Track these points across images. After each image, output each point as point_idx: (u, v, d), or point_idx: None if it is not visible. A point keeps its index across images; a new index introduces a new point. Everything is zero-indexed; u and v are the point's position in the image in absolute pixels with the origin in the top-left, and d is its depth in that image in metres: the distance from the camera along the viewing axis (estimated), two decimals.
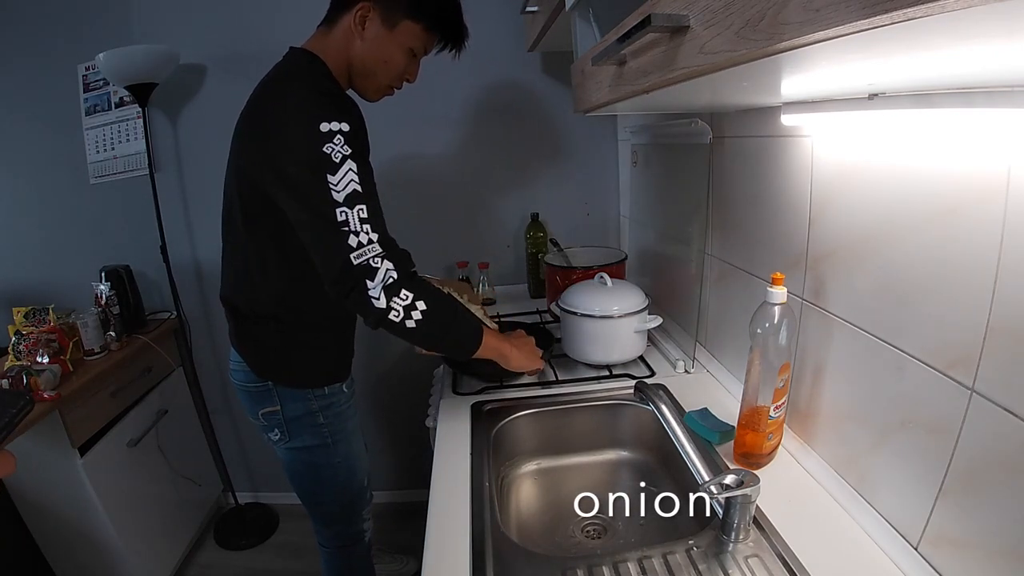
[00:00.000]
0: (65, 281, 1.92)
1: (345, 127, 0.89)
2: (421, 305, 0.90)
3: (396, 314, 0.89)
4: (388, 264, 0.88)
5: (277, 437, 1.18)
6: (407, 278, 0.90)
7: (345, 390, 1.21)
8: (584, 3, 0.90)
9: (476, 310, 1.27)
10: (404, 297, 0.88)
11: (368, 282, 0.87)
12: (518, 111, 1.83)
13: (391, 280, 0.88)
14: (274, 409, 1.15)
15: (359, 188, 0.88)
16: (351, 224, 0.87)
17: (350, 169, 0.88)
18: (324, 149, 0.87)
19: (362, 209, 0.88)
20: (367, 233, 0.87)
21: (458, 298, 1.32)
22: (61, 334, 1.52)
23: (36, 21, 1.75)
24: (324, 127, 0.87)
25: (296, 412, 1.15)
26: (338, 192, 0.87)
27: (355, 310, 0.90)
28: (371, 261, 0.87)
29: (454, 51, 1.09)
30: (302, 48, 1.02)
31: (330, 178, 0.87)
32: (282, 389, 1.13)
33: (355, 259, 0.87)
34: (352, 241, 0.87)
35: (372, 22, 0.99)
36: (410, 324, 0.90)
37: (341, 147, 0.88)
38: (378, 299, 0.87)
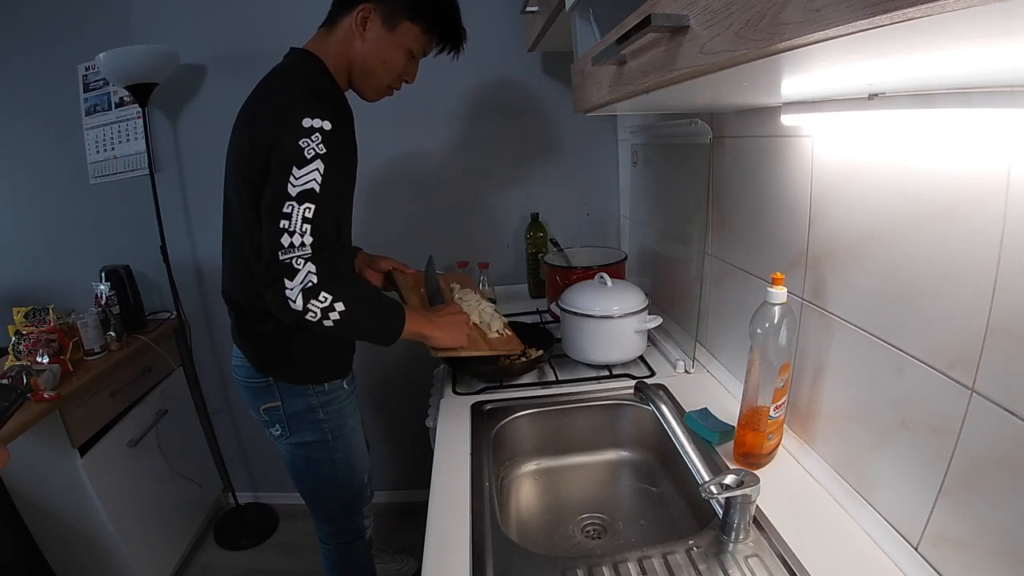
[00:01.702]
0: (65, 281, 1.92)
1: (327, 126, 0.90)
2: (339, 307, 0.91)
3: (313, 315, 0.90)
4: (310, 267, 0.89)
5: (278, 432, 1.19)
6: (329, 281, 0.90)
7: (346, 387, 1.22)
8: (584, 3, 0.90)
9: (481, 304, 1.28)
10: (323, 300, 0.90)
11: (287, 281, 0.88)
12: (518, 111, 1.83)
13: (310, 284, 0.89)
14: (275, 404, 1.16)
15: (316, 188, 0.89)
16: (292, 220, 0.88)
17: (316, 168, 0.89)
18: (300, 143, 0.89)
19: (309, 209, 0.89)
20: (302, 234, 0.88)
21: (460, 292, 1.32)
22: (61, 334, 1.52)
23: (36, 21, 1.75)
24: (306, 123, 0.89)
25: (297, 408, 1.16)
26: (294, 186, 0.89)
27: (273, 305, 0.91)
28: (294, 261, 0.88)
29: (453, 53, 1.11)
30: (302, 48, 1.04)
31: (295, 170, 0.89)
32: (283, 385, 1.14)
33: (281, 255, 0.89)
34: (284, 240, 0.88)
35: (373, 23, 1.01)
36: (328, 324, 0.92)
37: (317, 145, 0.89)
38: (295, 300, 0.89)
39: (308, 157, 0.89)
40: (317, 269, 0.89)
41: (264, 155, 0.93)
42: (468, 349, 1.13)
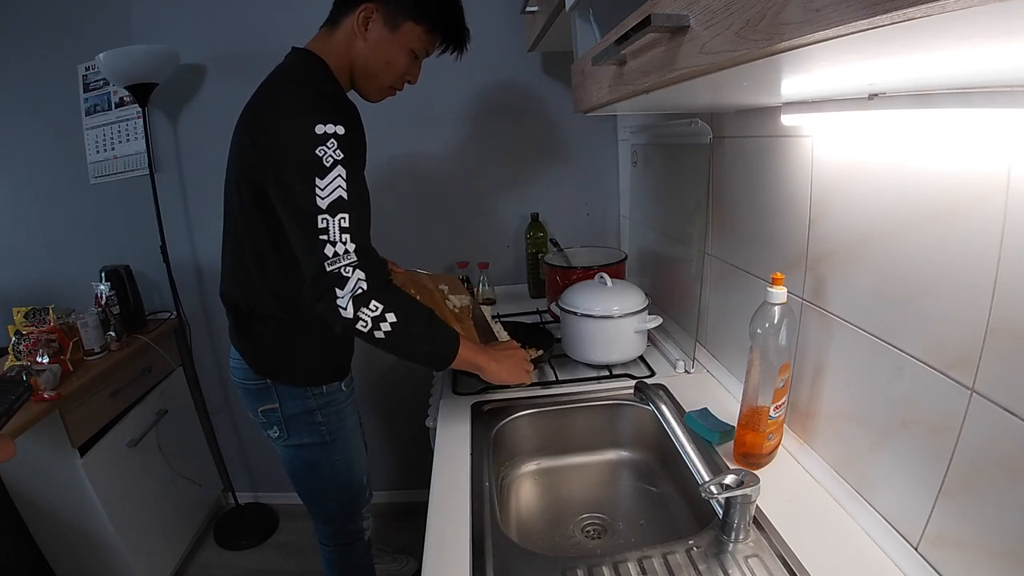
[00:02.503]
0: (65, 281, 1.92)
1: (340, 130, 0.89)
2: (391, 317, 0.90)
3: (364, 324, 0.89)
4: (360, 274, 0.88)
5: (276, 434, 1.19)
6: (379, 289, 0.89)
7: (344, 388, 1.22)
8: (584, 3, 0.90)
9: (459, 304, 1.25)
10: (373, 308, 0.88)
11: (338, 290, 0.87)
12: (518, 111, 1.83)
13: (360, 291, 0.88)
14: (273, 406, 1.16)
15: (344, 196, 0.88)
16: (330, 232, 0.87)
17: (339, 175, 0.88)
18: (316, 152, 0.87)
19: (344, 218, 0.88)
20: (344, 243, 0.88)
21: (447, 296, 1.29)
22: (61, 334, 1.52)
23: (36, 21, 1.75)
24: (319, 129, 0.88)
25: (295, 410, 1.16)
26: (323, 198, 0.87)
27: (325, 316, 0.90)
28: (343, 270, 0.87)
29: (456, 53, 1.10)
30: (304, 48, 1.03)
31: (318, 182, 0.87)
32: (281, 387, 1.14)
33: (328, 267, 0.87)
34: (328, 250, 0.87)
35: (375, 23, 0.99)
36: (379, 335, 0.90)
37: (333, 151, 0.88)
38: (345, 308, 0.87)
39: (328, 165, 0.87)
40: (367, 276, 0.88)
41: (270, 159, 0.92)
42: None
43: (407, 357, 0.98)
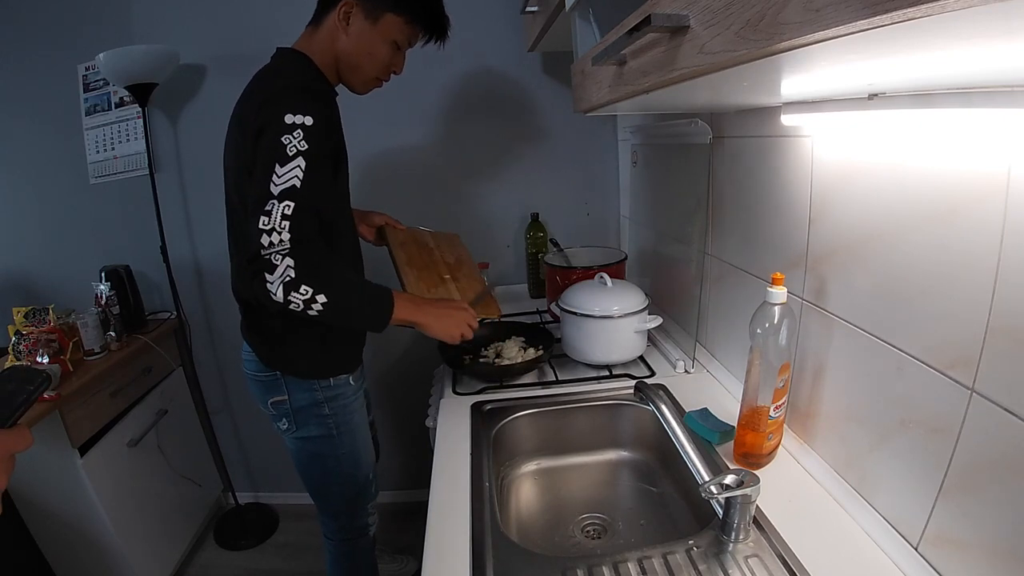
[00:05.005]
0: (65, 281, 1.92)
1: (308, 121, 0.93)
2: (322, 298, 0.94)
3: (296, 305, 0.93)
4: (289, 262, 0.91)
5: (285, 426, 1.21)
6: (309, 275, 0.93)
7: (352, 383, 1.23)
8: (584, 3, 0.90)
9: (452, 258, 1.34)
10: (304, 292, 0.92)
11: (267, 275, 0.91)
12: (518, 111, 1.83)
13: (288, 278, 0.91)
14: (282, 399, 1.18)
15: (298, 185, 0.92)
16: (272, 218, 0.91)
17: (298, 165, 0.92)
18: (282, 139, 0.92)
19: (289, 206, 0.91)
20: (281, 232, 0.91)
21: (441, 257, 1.35)
22: (61, 334, 1.51)
23: (36, 21, 1.75)
24: (288, 119, 0.92)
25: (303, 402, 1.18)
26: (277, 185, 0.91)
27: (258, 296, 0.94)
28: (273, 257, 0.91)
29: (438, 42, 1.13)
30: (289, 47, 1.07)
31: (277, 168, 0.91)
32: (290, 379, 1.16)
33: (263, 252, 0.91)
34: (264, 239, 0.91)
35: (356, 17, 1.04)
36: (312, 313, 0.95)
37: (299, 141, 0.92)
38: (275, 293, 0.92)
39: (290, 154, 0.92)
40: (295, 264, 0.91)
41: (250, 148, 0.96)
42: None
43: (343, 327, 1.07)
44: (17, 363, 1.40)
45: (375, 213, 1.40)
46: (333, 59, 1.07)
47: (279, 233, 0.91)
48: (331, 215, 1.07)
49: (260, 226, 0.91)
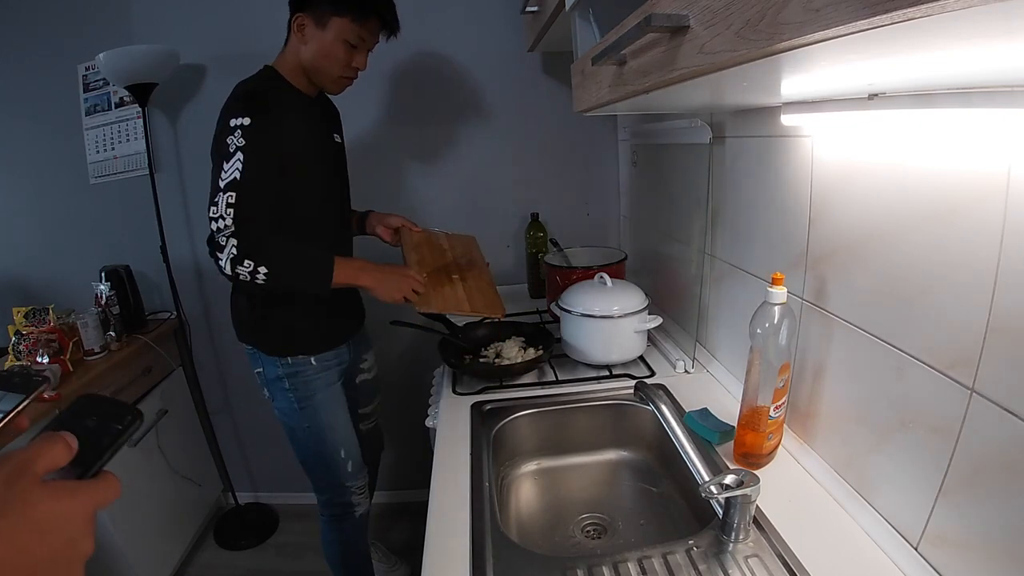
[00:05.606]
0: (65, 281, 1.92)
1: (246, 121, 1.08)
2: (263, 269, 1.10)
3: (244, 276, 1.10)
4: (233, 241, 1.08)
5: (267, 396, 1.35)
6: (251, 251, 1.09)
7: (314, 363, 1.31)
8: (584, 3, 0.90)
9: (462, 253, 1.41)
10: (247, 265, 1.09)
11: (219, 254, 1.10)
12: (518, 111, 1.83)
13: (233, 255, 1.09)
14: (260, 370, 1.33)
15: (238, 177, 1.08)
16: (219, 207, 1.08)
17: (238, 159, 1.08)
18: (227, 140, 1.09)
19: (231, 196, 1.08)
20: (225, 218, 1.08)
21: (453, 259, 1.42)
22: (61, 334, 1.52)
23: (36, 21, 1.75)
24: (232, 122, 1.09)
25: (271, 375, 1.31)
26: (223, 179, 1.08)
27: (218, 269, 1.12)
28: (221, 239, 1.09)
29: (391, 33, 1.23)
30: (266, 64, 1.23)
31: (224, 164, 1.08)
32: (260, 353, 1.30)
33: (216, 235, 1.09)
34: (213, 225, 1.09)
35: (308, 27, 1.16)
36: (259, 281, 1.11)
37: (238, 139, 1.08)
38: (225, 267, 1.10)
39: (231, 151, 1.08)
40: (238, 243, 1.08)
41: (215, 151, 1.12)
42: (446, 308, 1.23)
43: (292, 290, 1.19)
44: (29, 367, 1.40)
45: (393, 215, 1.48)
46: (301, 68, 1.21)
47: (224, 219, 1.08)
48: (305, 211, 1.22)
49: (211, 214, 1.09)
